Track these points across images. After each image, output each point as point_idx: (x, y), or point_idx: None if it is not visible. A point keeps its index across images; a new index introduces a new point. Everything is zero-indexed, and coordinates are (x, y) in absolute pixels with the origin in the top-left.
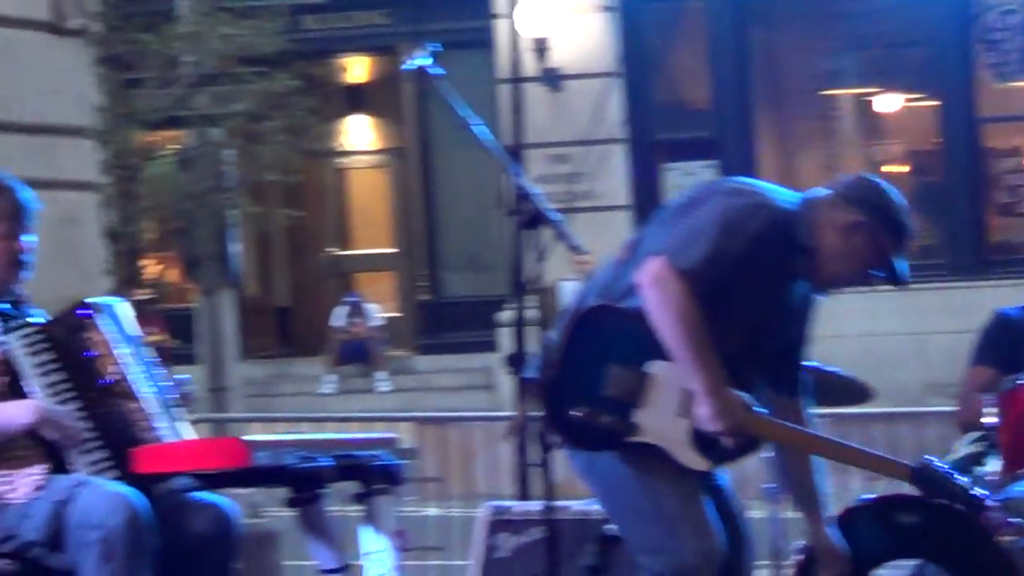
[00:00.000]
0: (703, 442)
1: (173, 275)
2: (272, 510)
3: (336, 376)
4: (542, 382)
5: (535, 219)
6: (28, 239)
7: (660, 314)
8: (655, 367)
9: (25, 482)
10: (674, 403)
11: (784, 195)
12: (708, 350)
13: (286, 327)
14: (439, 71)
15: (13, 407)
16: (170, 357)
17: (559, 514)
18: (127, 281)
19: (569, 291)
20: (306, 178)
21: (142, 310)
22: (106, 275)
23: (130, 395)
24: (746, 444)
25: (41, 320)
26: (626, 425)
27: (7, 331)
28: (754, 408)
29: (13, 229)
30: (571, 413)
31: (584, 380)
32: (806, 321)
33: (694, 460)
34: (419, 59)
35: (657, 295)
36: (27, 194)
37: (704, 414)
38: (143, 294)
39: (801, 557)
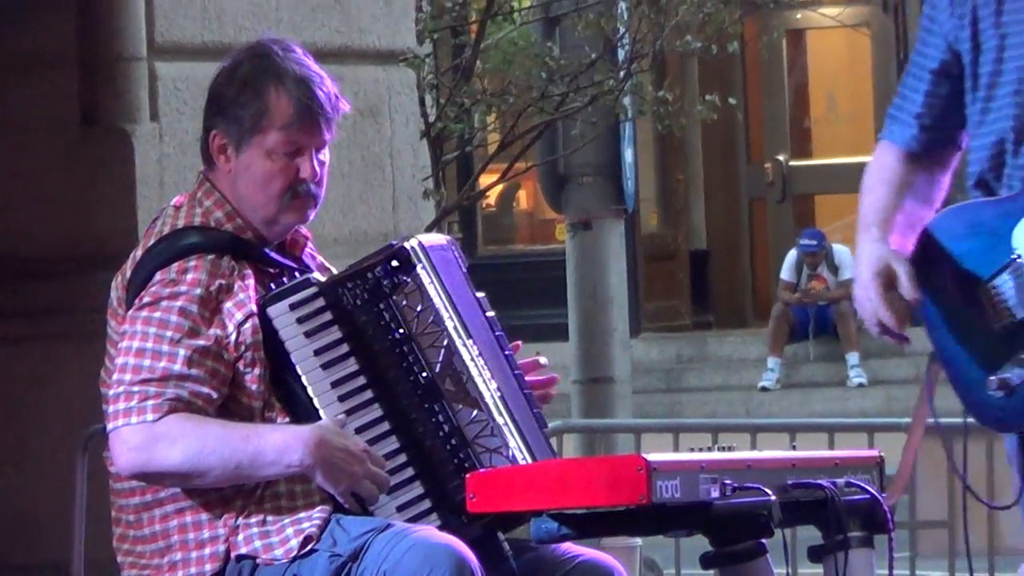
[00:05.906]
0: None
1: (527, 199)
2: (679, 572)
3: (783, 361)
4: None
5: None
6: (321, 159)
7: None
8: None
9: (292, 531)
10: None
11: None
12: None
13: (703, 282)
14: None
15: (278, 436)
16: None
17: None
18: (459, 207)
19: None
20: (741, 46)
21: None
22: (428, 199)
23: (465, 393)
24: None
25: (323, 277)
26: None
27: (274, 297)
28: None
29: (296, 142)
30: None
31: None
32: None
33: None
34: None
35: None
36: (325, 88)
37: None
38: None
39: None
